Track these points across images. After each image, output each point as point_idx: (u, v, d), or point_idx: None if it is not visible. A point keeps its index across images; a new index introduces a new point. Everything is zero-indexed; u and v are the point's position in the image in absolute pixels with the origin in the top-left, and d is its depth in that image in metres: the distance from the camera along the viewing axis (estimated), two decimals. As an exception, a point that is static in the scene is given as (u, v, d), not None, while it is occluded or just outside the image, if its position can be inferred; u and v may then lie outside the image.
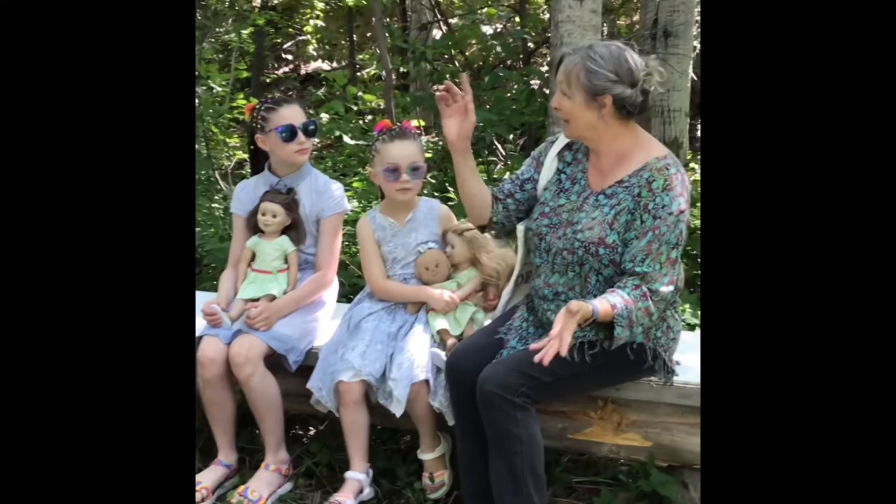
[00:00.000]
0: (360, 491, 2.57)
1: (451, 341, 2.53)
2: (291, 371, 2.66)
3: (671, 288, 2.13)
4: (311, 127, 2.78)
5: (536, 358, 1.95)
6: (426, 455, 2.57)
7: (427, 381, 2.46)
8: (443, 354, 2.46)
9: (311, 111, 2.97)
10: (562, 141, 2.40)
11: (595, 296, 2.18)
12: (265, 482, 2.62)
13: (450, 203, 4.58)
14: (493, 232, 2.54)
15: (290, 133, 2.73)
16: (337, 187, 2.85)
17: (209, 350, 2.60)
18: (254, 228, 2.81)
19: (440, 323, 2.58)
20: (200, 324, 2.72)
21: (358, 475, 2.57)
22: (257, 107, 2.81)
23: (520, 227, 2.43)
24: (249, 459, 2.87)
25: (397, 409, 2.45)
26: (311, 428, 3.16)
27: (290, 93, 2.84)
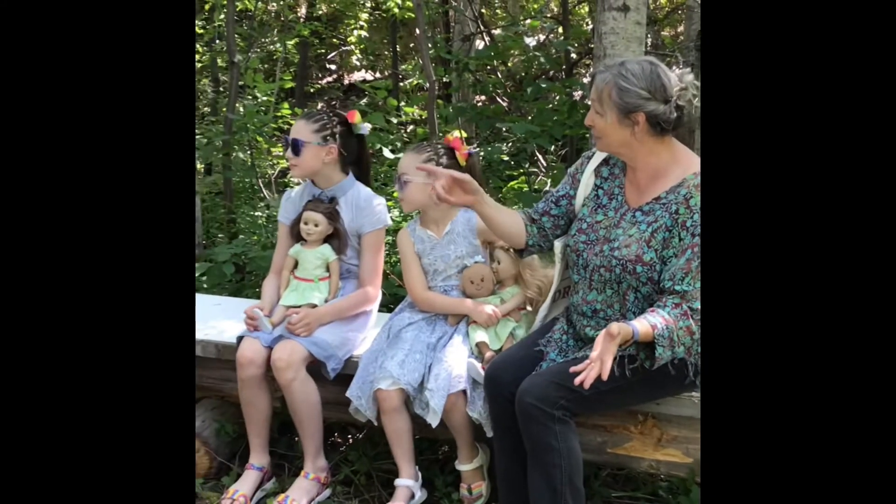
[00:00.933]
0: (412, 497, 2.57)
1: (489, 354, 2.52)
2: (330, 378, 2.68)
3: None
4: (294, 143, 2.80)
5: (577, 381, 1.95)
6: (464, 466, 2.57)
7: (465, 392, 2.46)
8: (479, 366, 2.46)
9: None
10: (599, 156, 2.39)
11: (634, 314, 2.17)
12: (304, 491, 2.64)
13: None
14: (533, 252, 2.54)
15: (284, 145, 2.86)
16: (378, 202, 2.86)
17: (248, 351, 2.64)
18: (297, 237, 2.85)
19: (480, 335, 2.58)
20: (241, 327, 2.78)
21: (407, 481, 2.57)
22: None
23: (557, 244, 2.42)
24: (289, 466, 2.90)
25: (433, 420, 2.45)
26: (349, 436, 3.17)
27: (323, 113, 2.83)
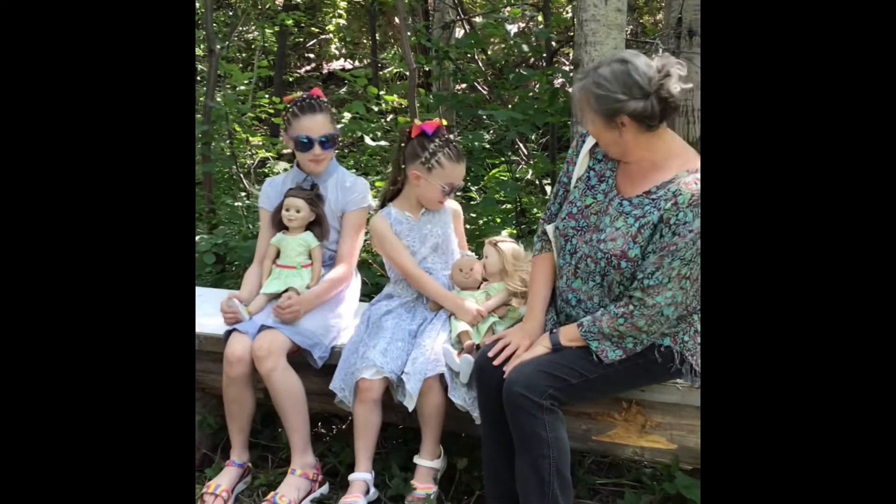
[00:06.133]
0: (367, 491, 2.53)
1: (468, 343, 2.51)
2: (317, 367, 2.65)
3: (672, 301, 2.11)
4: (324, 140, 2.79)
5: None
6: (423, 461, 2.52)
7: (442, 378, 2.44)
8: (455, 354, 2.45)
9: (334, 110, 2.98)
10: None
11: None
12: (293, 487, 2.59)
13: (472, 202, 4.57)
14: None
15: (306, 145, 2.79)
16: (363, 184, 2.88)
17: (238, 348, 2.59)
18: (279, 225, 2.82)
19: (462, 325, 2.56)
20: (221, 318, 2.73)
21: (364, 475, 2.53)
22: (289, 106, 2.84)
23: (549, 228, 2.40)
24: (272, 458, 2.87)
25: (409, 404, 2.43)
26: (333, 427, 3.15)
27: (324, 101, 2.79)
